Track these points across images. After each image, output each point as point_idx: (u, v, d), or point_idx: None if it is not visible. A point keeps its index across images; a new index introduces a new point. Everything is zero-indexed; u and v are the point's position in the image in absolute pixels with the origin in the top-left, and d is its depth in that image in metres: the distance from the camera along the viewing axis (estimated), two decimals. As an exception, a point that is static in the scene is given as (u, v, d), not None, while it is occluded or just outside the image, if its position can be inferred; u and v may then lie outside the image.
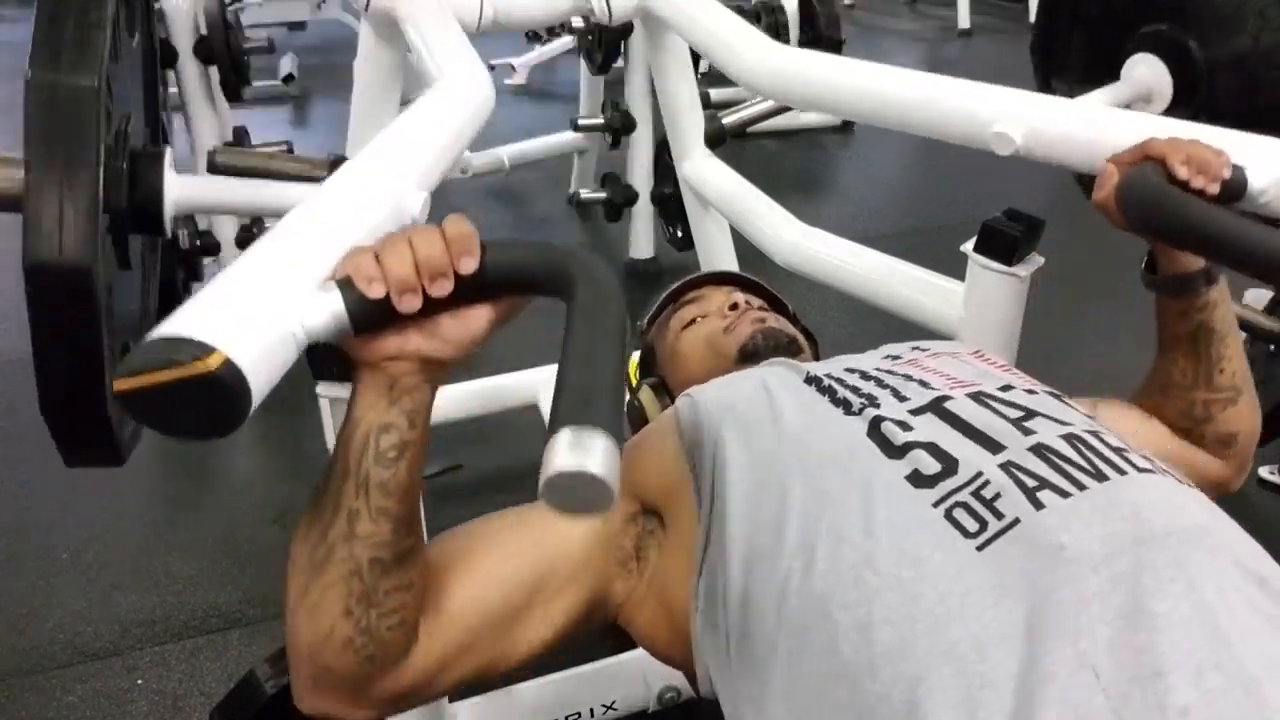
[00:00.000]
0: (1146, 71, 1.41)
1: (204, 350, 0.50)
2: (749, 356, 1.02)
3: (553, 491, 0.46)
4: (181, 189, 1.03)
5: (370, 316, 0.60)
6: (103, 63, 0.82)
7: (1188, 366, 0.93)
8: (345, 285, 0.60)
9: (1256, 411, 0.96)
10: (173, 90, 2.43)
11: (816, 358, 1.14)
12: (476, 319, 0.63)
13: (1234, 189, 0.84)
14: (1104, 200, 0.87)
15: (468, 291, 0.62)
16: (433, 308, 0.61)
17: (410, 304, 0.59)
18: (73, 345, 0.83)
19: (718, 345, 1.06)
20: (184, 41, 2.44)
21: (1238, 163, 0.84)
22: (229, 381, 0.51)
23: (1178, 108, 1.40)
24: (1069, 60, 1.60)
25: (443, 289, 0.60)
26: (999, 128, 1.06)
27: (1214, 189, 0.82)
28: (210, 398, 0.51)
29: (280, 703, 1.23)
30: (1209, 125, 0.96)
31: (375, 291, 0.59)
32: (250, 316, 0.55)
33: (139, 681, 1.60)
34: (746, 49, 1.39)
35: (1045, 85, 1.66)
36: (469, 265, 0.60)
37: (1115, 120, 1.04)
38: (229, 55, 2.47)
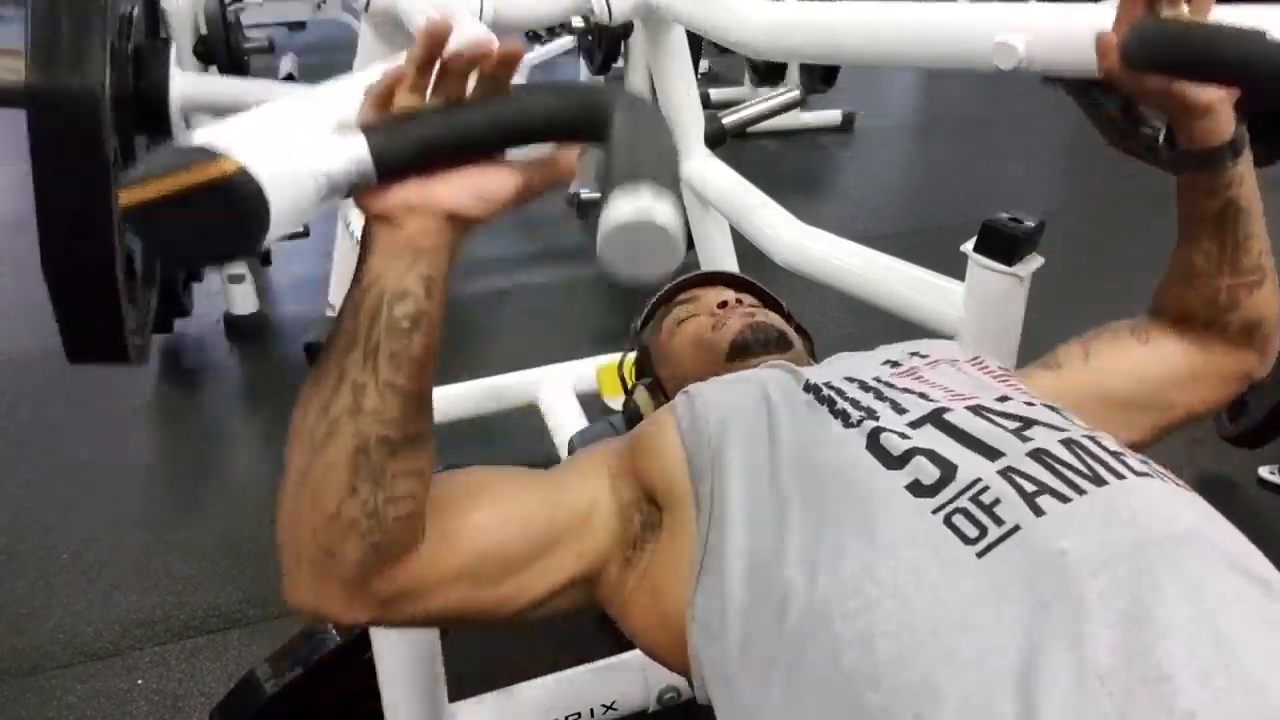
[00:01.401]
0: None
1: (220, 155, 0.47)
2: (739, 352, 1.02)
3: (612, 248, 0.43)
4: (187, 83, 0.98)
5: (395, 161, 0.57)
6: None
7: (1212, 250, 0.89)
8: (370, 129, 0.57)
9: None
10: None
11: (812, 355, 1.14)
12: (503, 175, 0.61)
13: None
14: (1110, 65, 0.82)
15: (495, 136, 0.59)
16: (459, 154, 0.58)
17: (454, 59, 0.58)
18: (77, 186, 0.75)
19: (708, 343, 1.06)
20: (184, 41, 2.44)
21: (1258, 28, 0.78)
22: (244, 190, 0.47)
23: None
24: None
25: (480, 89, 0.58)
26: (1001, 37, 1.02)
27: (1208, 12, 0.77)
28: (225, 207, 0.47)
29: (280, 703, 1.23)
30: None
31: (405, 78, 0.58)
32: (270, 142, 0.51)
33: (139, 681, 1.60)
34: (742, 10, 1.37)
35: None
36: (510, 58, 0.58)
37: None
38: (229, 55, 2.48)
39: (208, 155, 0.47)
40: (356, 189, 0.58)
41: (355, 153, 0.56)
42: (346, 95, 0.61)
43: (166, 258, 0.47)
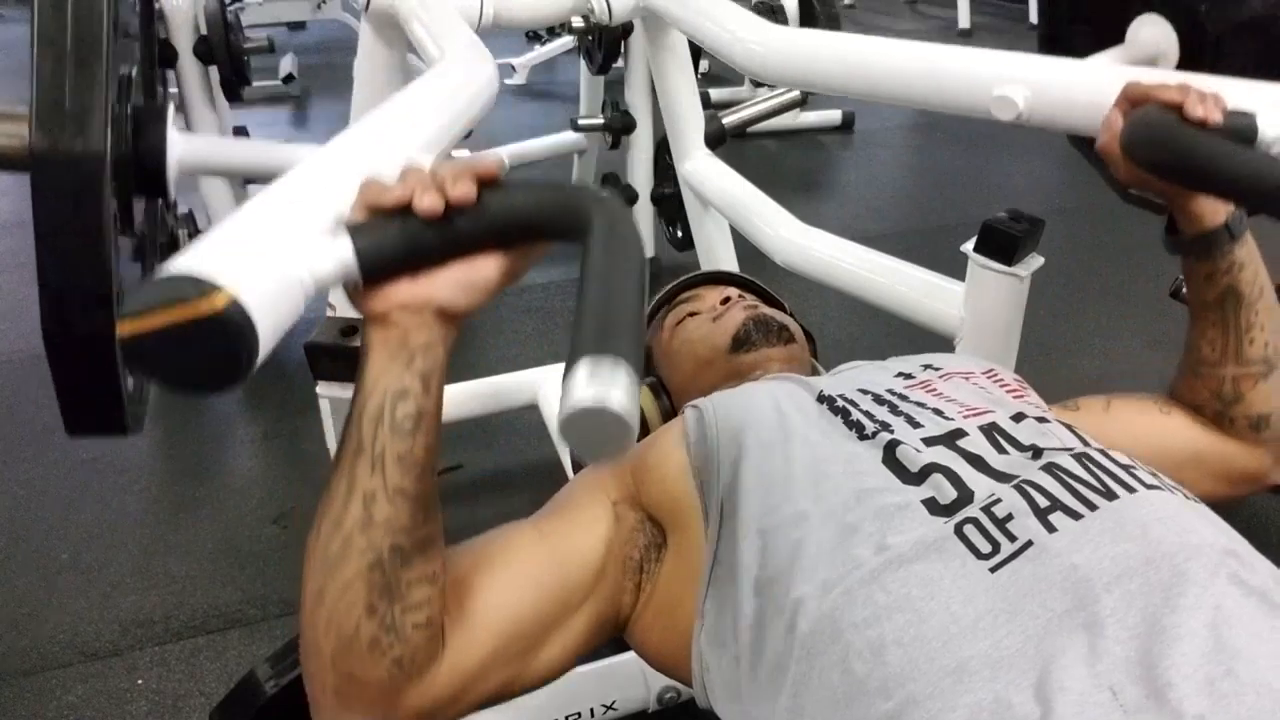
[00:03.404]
0: (1152, 32, 1.34)
1: (210, 288, 0.48)
2: (741, 343, 1.02)
3: (571, 428, 0.44)
4: (184, 146, 1.00)
5: (381, 263, 0.59)
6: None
7: (1216, 338, 0.91)
8: (356, 231, 0.58)
9: None
10: (173, 90, 2.43)
11: (815, 356, 1.14)
12: (488, 264, 0.63)
13: (1244, 135, 0.80)
14: (1108, 145, 0.85)
15: (478, 236, 0.61)
16: (443, 254, 0.60)
17: (431, 202, 0.58)
18: (79, 250, 0.77)
19: (710, 337, 1.06)
20: (184, 41, 2.43)
21: (1247, 109, 0.80)
22: (236, 322, 0.49)
23: (1185, 69, 1.31)
24: (1075, 43, 1.57)
25: (465, 189, 0.59)
26: (1000, 91, 1.02)
27: (1217, 117, 0.77)
28: (216, 341, 0.49)
29: (280, 703, 1.23)
30: (1217, 76, 0.90)
31: (388, 198, 0.58)
32: (258, 260, 0.53)
33: (139, 681, 1.60)
34: (745, 33, 1.38)
35: None
36: (490, 170, 0.60)
37: (1122, 77, 0.95)
38: (229, 55, 2.47)
39: (199, 288, 0.48)
40: (345, 286, 0.60)
41: (341, 255, 0.58)
42: (332, 181, 0.63)
43: (161, 381, 0.50)
